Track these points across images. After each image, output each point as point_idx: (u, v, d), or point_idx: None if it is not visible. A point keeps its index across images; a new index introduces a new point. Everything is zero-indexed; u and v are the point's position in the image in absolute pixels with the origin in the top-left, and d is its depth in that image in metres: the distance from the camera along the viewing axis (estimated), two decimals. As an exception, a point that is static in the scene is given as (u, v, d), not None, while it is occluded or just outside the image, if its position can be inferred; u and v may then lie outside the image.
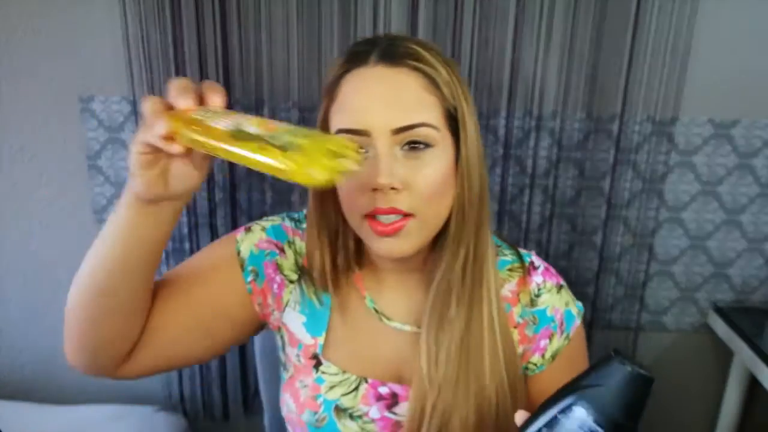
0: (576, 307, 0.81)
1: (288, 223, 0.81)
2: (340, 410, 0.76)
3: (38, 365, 1.56)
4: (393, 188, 0.65)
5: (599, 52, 1.26)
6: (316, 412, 0.76)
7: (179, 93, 0.56)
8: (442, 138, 0.68)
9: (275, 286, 0.79)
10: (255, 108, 1.32)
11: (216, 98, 0.56)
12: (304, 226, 0.80)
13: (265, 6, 1.26)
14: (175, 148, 0.55)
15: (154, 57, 1.28)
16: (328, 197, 0.73)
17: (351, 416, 0.76)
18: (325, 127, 0.71)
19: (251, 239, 0.78)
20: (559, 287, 0.80)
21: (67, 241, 1.45)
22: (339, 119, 0.68)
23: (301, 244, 0.80)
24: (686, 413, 1.54)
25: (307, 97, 1.31)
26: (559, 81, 1.29)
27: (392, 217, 0.66)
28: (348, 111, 0.67)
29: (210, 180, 1.36)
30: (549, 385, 0.79)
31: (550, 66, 1.28)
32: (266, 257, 0.78)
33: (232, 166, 1.35)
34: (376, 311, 0.78)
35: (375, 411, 0.76)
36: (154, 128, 0.54)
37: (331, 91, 0.70)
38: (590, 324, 1.43)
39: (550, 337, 0.79)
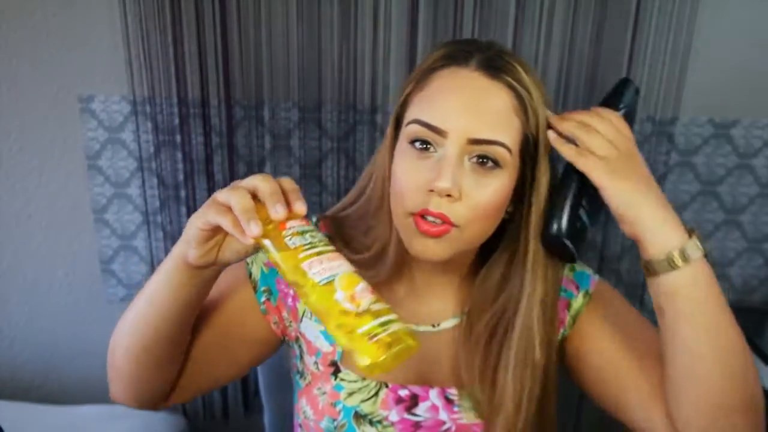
0: (588, 269, 0.81)
1: None
2: (359, 416, 0.76)
3: (38, 365, 1.56)
4: (449, 195, 0.65)
5: (599, 52, 1.26)
6: (335, 419, 0.76)
7: (274, 200, 0.57)
8: (512, 162, 0.67)
9: (289, 299, 0.78)
10: (255, 108, 1.32)
11: (300, 207, 0.58)
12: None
13: (265, 5, 1.26)
14: (249, 241, 0.56)
15: (154, 57, 1.28)
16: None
17: (371, 422, 0.76)
18: (402, 109, 0.71)
19: (260, 258, 0.78)
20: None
21: (67, 241, 1.45)
22: (420, 110, 0.67)
23: None
24: (686, 413, 1.54)
25: (307, 97, 1.31)
26: (559, 81, 1.29)
27: (438, 221, 0.66)
28: (432, 106, 0.66)
29: (210, 179, 1.36)
30: (589, 340, 0.77)
31: (550, 66, 1.28)
32: (278, 273, 0.77)
33: (231, 164, 1.35)
34: None
35: (394, 414, 0.76)
36: (250, 228, 0.55)
37: (420, 80, 0.69)
38: (590, 324, 1.43)
39: (568, 306, 0.79)
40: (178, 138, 1.33)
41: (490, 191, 0.66)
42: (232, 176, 1.35)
